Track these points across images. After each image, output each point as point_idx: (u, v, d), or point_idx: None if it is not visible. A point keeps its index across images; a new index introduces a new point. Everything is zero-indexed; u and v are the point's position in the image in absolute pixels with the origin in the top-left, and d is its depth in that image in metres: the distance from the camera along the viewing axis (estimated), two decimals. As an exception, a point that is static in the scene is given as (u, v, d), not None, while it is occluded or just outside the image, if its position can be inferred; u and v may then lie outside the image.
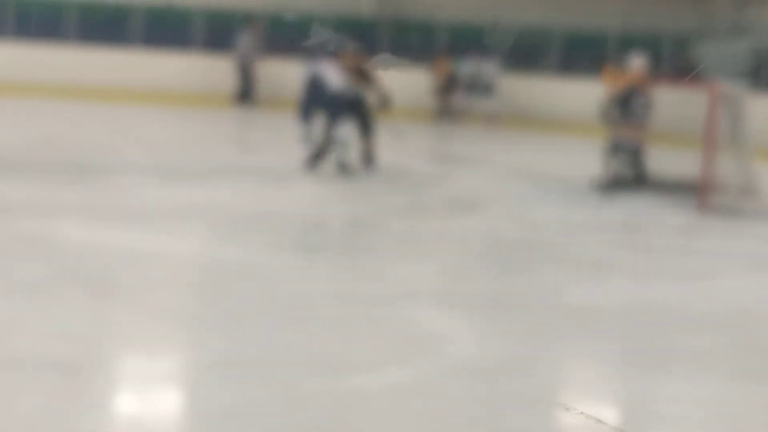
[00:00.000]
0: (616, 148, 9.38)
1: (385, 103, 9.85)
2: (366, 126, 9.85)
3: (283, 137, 11.19)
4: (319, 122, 9.52)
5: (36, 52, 17.21)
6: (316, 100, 9.37)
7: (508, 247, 6.99)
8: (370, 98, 9.92)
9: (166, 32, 17.84)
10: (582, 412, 3.69)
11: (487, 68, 16.41)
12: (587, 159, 10.16)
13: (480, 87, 16.27)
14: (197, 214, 7.45)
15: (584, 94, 14.81)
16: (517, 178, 10.31)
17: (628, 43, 14.88)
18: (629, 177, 9.48)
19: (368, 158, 9.91)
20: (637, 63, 9.58)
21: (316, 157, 9.50)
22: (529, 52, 17.67)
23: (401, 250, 6.76)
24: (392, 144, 10.66)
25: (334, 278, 5.71)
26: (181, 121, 15.36)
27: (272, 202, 8.18)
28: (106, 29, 17.61)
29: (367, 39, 18.08)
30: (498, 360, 4.33)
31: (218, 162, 10.39)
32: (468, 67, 16.47)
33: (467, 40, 17.02)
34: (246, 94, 17.19)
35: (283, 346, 4.31)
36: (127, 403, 3.64)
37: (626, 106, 9.31)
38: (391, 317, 4.93)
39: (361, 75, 9.86)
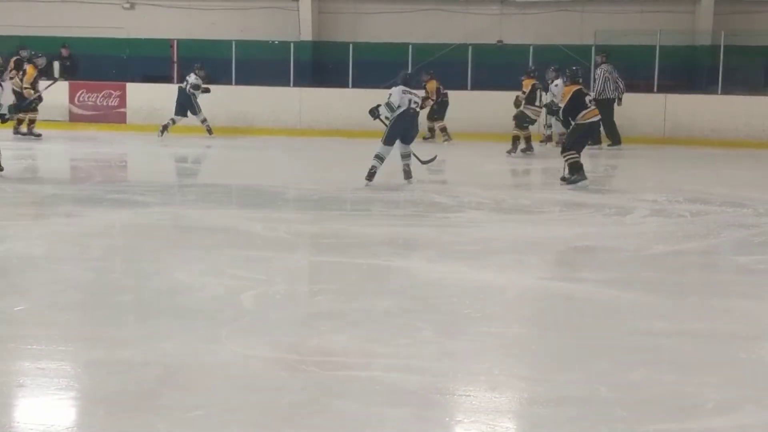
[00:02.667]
0: None
1: None
2: None
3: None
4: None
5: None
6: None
7: None
8: None
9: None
10: None
11: None
12: None
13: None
14: (534, 248, 7.51)
15: None
16: None
17: None
18: None
19: None
20: None
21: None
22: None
23: (749, 285, 6.42)
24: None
25: (679, 315, 5.52)
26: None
27: (608, 237, 8.06)
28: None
29: (701, 66, 17.52)
30: None
31: (548, 197, 10.40)
32: None
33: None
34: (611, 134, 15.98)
35: (629, 385, 4.23)
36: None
37: None
38: (744, 357, 4.70)
39: None
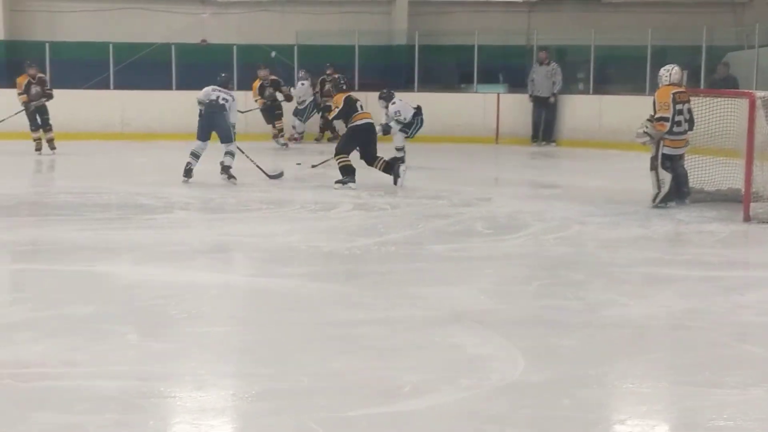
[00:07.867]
0: (664, 161, 9.30)
1: None
2: None
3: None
4: None
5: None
6: None
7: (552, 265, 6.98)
8: None
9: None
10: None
11: None
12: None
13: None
14: (240, 246, 7.56)
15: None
16: (559, 198, 10.22)
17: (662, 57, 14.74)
18: (674, 189, 9.40)
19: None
20: (675, 74, 9.45)
21: None
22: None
23: (443, 273, 6.74)
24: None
25: (378, 304, 5.71)
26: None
27: (313, 232, 8.20)
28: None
29: (399, 64, 18.19)
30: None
31: (256, 195, 10.45)
32: None
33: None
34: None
35: (330, 373, 4.34)
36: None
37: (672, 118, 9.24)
38: (439, 341, 4.93)
39: None
